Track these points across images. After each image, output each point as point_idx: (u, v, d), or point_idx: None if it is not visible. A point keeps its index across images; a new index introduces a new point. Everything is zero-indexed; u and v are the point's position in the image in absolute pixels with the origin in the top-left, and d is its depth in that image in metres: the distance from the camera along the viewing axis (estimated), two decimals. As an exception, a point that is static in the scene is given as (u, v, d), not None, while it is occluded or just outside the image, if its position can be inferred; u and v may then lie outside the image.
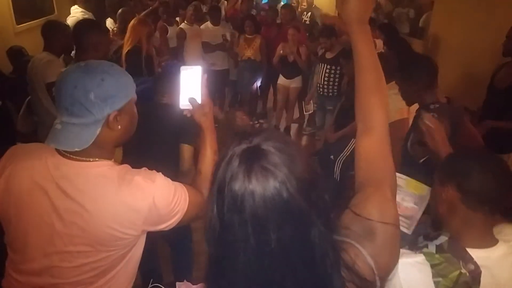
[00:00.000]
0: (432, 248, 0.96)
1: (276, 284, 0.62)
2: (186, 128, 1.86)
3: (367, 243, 0.68)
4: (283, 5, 5.67)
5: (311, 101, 4.07)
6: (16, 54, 3.30)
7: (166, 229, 1.02)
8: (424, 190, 1.34)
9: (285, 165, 0.62)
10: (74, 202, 0.91)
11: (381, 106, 0.83)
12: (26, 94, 3.16)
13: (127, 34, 2.95)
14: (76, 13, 4.25)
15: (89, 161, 0.94)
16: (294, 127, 4.86)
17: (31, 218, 0.96)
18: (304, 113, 4.05)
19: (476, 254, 0.92)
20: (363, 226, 0.69)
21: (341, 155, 2.95)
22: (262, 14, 5.09)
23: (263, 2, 7.08)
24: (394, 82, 2.16)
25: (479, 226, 0.97)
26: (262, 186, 0.61)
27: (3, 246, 1.05)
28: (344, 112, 3.04)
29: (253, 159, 0.63)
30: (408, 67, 1.91)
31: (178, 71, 1.13)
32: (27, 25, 3.95)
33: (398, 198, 1.29)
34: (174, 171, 1.94)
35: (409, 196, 1.37)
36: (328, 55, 3.70)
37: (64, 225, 0.93)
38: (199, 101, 1.10)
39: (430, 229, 1.10)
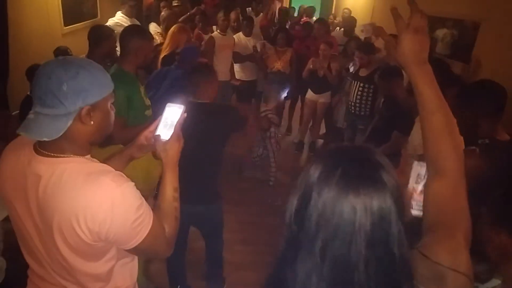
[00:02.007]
0: None
1: (350, 267, 0.63)
2: (228, 132, 1.96)
3: None
4: (317, 19, 5.68)
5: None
6: (62, 54, 3.49)
7: (126, 248, 0.99)
8: None
9: (393, 172, 0.65)
10: (40, 198, 0.93)
11: (453, 150, 0.80)
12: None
13: (166, 41, 3.05)
14: (117, 18, 4.43)
15: (61, 157, 0.94)
16: (316, 142, 4.82)
17: (16, 209, 1.00)
18: (339, 125, 3.99)
19: None
20: (431, 270, 0.67)
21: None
22: (297, 29, 5.12)
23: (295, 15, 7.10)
24: None
25: None
26: (374, 180, 0.63)
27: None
28: (377, 132, 3.00)
29: (369, 155, 0.66)
30: (471, 92, 1.68)
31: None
32: (73, 27, 4.16)
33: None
34: (215, 176, 2.10)
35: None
36: (362, 73, 3.65)
37: (41, 221, 0.96)
38: (167, 137, 1.12)
39: (479, 268, 1.00)
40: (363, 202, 0.63)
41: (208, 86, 2.02)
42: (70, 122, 0.92)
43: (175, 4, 5.64)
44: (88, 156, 1.01)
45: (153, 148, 1.17)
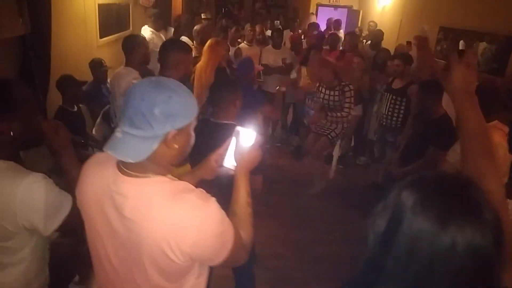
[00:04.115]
0: None
1: None
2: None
3: None
4: (347, 32, 5.67)
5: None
6: (97, 66, 3.57)
7: (215, 263, 0.97)
8: None
9: (495, 210, 0.63)
10: (127, 219, 0.92)
11: (495, 171, 0.83)
12: (100, 101, 3.40)
13: (204, 56, 3.04)
14: (145, 33, 4.48)
15: (144, 177, 0.94)
16: (345, 155, 4.75)
17: (96, 228, 1.00)
18: (375, 140, 3.94)
19: None
20: None
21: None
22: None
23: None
24: (496, 121, 2.02)
25: None
26: (477, 216, 0.61)
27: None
28: (413, 146, 2.96)
29: (471, 187, 0.64)
30: None
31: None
32: (107, 39, 4.28)
33: None
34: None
35: None
36: (396, 85, 3.61)
37: (122, 240, 0.95)
38: (240, 161, 1.15)
39: None
40: (465, 236, 0.60)
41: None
42: (156, 145, 0.91)
43: (204, 17, 5.75)
44: (169, 175, 1.01)
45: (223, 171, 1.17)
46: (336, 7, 9.43)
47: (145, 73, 2.91)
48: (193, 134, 1.01)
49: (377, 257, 0.68)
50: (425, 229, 0.62)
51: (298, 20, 7.13)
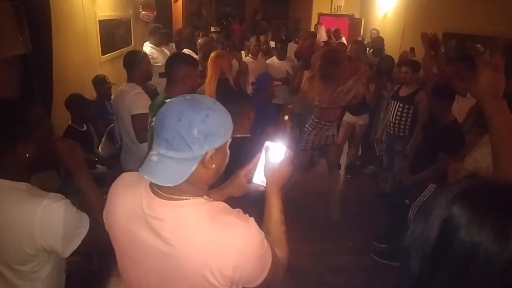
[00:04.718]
0: None
1: None
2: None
3: None
4: (354, 40, 5.67)
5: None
6: (100, 82, 3.55)
7: (253, 285, 0.93)
8: None
9: None
10: (164, 243, 0.87)
11: None
12: (105, 118, 3.36)
13: (209, 69, 3.01)
14: (146, 48, 4.47)
15: (181, 199, 0.90)
16: (353, 164, 4.67)
17: (126, 252, 0.96)
18: (377, 153, 3.87)
19: None
20: None
21: (417, 200, 2.77)
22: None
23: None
24: None
25: None
26: None
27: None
28: (422, 154, 2.89)
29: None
30: None
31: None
32: (109, 55, 4.28)
33: None
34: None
35: None
36: (402, 93, 3.55)
37: (157, 265, 0.90)
38: (271, 177, 1.10)
39: None
40: None
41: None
42: (194, 167, 0.87)
43: (214, 30, 5.75)
44: (205, 196, 0.96)
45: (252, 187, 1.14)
46: (337, 16, 9.46)
47: (147, 88, 2.87)
48: (228, 152, 0.97)
49: (424, 275, 0.64)
50: (483, 247, 0.58)
51: (301, 31, 7.14)
